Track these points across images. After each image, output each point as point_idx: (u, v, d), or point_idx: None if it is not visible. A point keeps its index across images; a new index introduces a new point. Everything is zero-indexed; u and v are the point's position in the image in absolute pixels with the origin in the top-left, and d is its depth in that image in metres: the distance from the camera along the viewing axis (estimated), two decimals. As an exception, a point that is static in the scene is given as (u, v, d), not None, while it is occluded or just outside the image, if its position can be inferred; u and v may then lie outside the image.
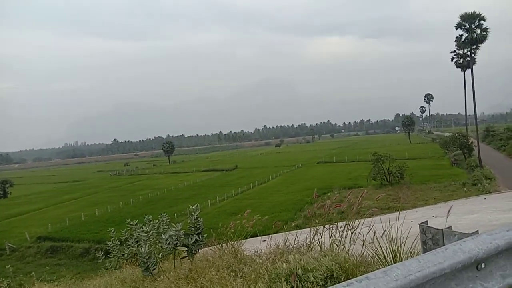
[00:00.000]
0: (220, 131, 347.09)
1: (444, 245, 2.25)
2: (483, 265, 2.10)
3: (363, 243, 4.34)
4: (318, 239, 4.91)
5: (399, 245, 3.96)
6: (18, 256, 35.06)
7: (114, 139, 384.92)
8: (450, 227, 2.36)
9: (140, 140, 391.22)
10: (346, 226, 4.87)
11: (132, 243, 7.71)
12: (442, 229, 2.34)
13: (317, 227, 5.28)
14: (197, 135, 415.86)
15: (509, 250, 2.22)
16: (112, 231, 8.92)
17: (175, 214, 37.34)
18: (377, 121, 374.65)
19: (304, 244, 5.12)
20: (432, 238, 2.40)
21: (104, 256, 9.41)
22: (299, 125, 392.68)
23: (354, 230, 4.61)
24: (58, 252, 34.87)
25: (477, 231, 2.26)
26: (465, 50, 51.20)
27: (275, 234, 8.76)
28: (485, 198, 18.88)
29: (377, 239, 4.17)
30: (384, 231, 4.13)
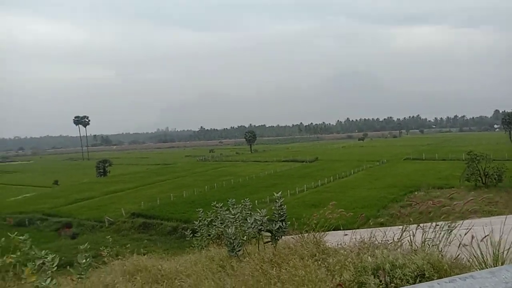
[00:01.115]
0: (301, 122, 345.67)
1: None
2: None
3: (459, 245, 4.06)
4: (408, 236, 4.70)
5: (502, 250, 3.63)
6: (115, 229, 38.75)
7: (201, 127, 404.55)
8: None
9: (224, 128, 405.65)
10: (440, 226, 4.59)
11: (218, 224, 8.09)
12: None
13: (406, 225, 5.06)
14: (278, 125, 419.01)
15: None
16: (200, 211, 9.43)
17: (256, 201, 38.23)
18: (472, 117, 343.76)
19: (392, 240, 4.94)
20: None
21: (191, 235, 10.01)
22: (385, 119, 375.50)
23: (451, 231, 4.33)
24: (149, 228, 37.86)
25: None
26: None
27: (359, 229, 8.56)
28: None
29: (476, 242, 3.87)
30: (487, 235, 3.81)
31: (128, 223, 39.54)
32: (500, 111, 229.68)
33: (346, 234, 7.60)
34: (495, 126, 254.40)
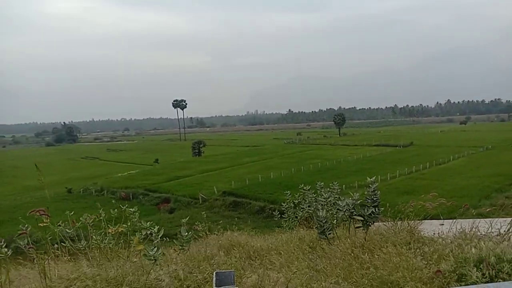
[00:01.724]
0: (396, 105, 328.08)
1: None
2: None
3: None
4: (518, 230, 4.28)
5: None
6: (207, 206, 41.13)
7: (289, 110, 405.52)
8: None
9: (312, 111, 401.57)
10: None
11: (306, 207, 8.15)
12: None
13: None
14: (370, 108, 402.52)
15: None
16: (288, 193, 9.60)
17: (343, 185, 37.56)
18: None
19: (498, 233, 4.54)
20: None
21: (279, 216, 10.26)
22: (491, 101, 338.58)
23: None
24: (239, 207, 39.52)
25: None
26: None
27: (458, 219, 7.99)
28: None
29: None
30: None
31: (219, 201, 41.67)
32: None
33: (442, 224, 7.16)
34: None
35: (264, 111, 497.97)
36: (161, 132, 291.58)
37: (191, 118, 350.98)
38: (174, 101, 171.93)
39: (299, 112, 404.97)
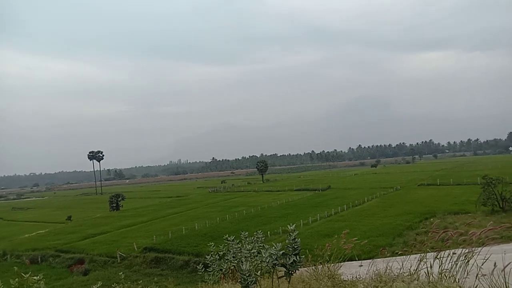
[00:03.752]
0: (313, 151, 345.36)
1: None
2: None
3: (477, 276, 3.93)
4: (426, 268, 4.57)
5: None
6: (126, 264, 38.38)
7: (213, 158, 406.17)
8: None
9: (236, 159, 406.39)
10: (457, 255, 4.46)
11: (230, 258, 7.97)
12: None
13: (423, 254, 4.93)
14: (290, 154, 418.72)
15: None
16: (212, 245, 9.35)
17: (268, 232, 37.78)
18: (487, 140, 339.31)
19: (409, 272, 4.81)
20: None
21: (203, 269, 9.88)
22: (397, 145, 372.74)
23: (468, 261, 4.21)
24: (161, 263, 37.41)
25: None
26: None
27: (373, 260, 8.36)
28: None
29: (496, 271, 3.75)
30: (509, 263, 3.69)
31: (140, 258, 39.16)
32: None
33: (361, 265, 7.43)
34: (510, 148, 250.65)
35: (187, 160, 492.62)
36: (75, 186, 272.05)
37: (109, 170, 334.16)
38: (90, 152, 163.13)
39: (223, 160, 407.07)
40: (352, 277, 5.89)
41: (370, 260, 7.30)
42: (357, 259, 6.96)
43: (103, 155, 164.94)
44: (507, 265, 3.68)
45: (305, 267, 6.80)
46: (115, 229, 56.48)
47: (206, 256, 9.54)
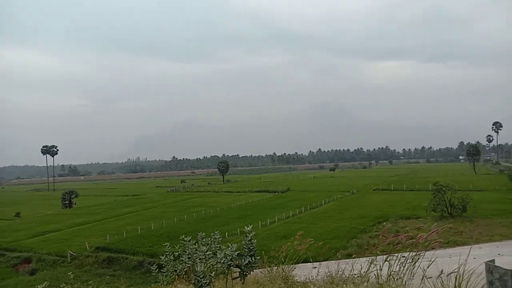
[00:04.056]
0: (274, 153, 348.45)
1: (515, 288, 2.09)
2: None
3: (422, 278, 4.12)
4: (376, 270, 4.72)
5: (462, 283, 3.70)
6: (77, 264, 36.96)
7: (173, 157, 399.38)
8: (522, 269, 2.19)
9: (197, 158, 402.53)
10: (405, 258, 4.65)
11: (185, 259, 7.86)
12: (511, 270, 2.17)
13: (373, 257, 5.09)
14: (251, 155, 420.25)
15: None
16: (167, 245, 9.18)
17: (226, 233, 37.70)
18: (439, 148, 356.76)
19: (359, 274, 4.95)
20: (499, 279, 2.24)
21: (157, 270, 9.68)
22: (355, 150, 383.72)
23: (414, 263, 4.39)
24: (114, 263, 36.32)
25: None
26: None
27: (327, 261, 8.54)
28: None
29: (441, 275, 3.93)
30: (448, 268, 3.88)
31: (91, 258, 37.83)
32: (465, 143, 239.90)
33: (315, 267, 7.56)
34: (460, 157, 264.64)
35: (146, 158, 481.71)
36: (26, 182, 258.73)
37: (63, 165, 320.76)
38: (43, 147, 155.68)
39: (183, 159, 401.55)
40: (305, 278, 5.98)
41: (324, 262, 7.45)
42: (311, 260, 7.07)
43: (57, 150, 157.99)
44: (451, 272, 3.86)
45: (260, 268, 6.83)
46: (66, 227, 54.27)
47: (161, 257, 9.38)
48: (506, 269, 2.21)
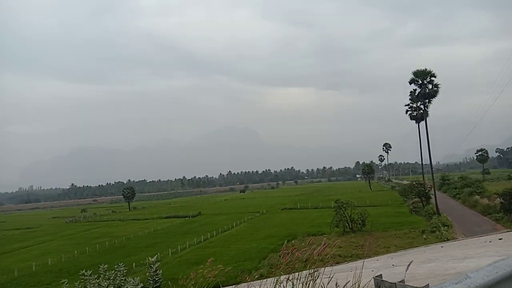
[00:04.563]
0: (184, 177, 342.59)
1: (397, 298, 2.33)
2: (434, 317, 2.18)
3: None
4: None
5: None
6: (-45, 313, 31.86)
7: (72, 184, 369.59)
8: (403, 281, 2.46)
9: (99, 185, 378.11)
10: (308, 276, 4.86)
11: (86, 296, 7.29)
12: (395, 283, 2.43)
13: (279, 277, 5.23)
14: (160, 180, 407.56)
15: (457, 302, 2.32)
16: (65, 282, 8.40)
17: (134, 264, 35.70)
18: (338, 168, 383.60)
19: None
20: (386, 291, 2.48)
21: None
22: (263, 171, 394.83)
23: (315, 280, 4.62)
24: (2, 307, 32.02)
25: (428, 285, 2.37)
26: (419, 104, 54.46)
27: (238, 285, 8.55)
28: (442, 246, 19.40)
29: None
30: (348, 282, 4.16)
31: (-27, 304, 32.88)
32: (361, 163, 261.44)
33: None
34: (357, 175, 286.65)
35: (41, 187, 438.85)
36: None
37: None
38: None
39: (84, 186, 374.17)
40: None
41: (237, 285, 7.43)
42: (220, 286, 7.02)
43: None
44: (347, 285, 4.14)
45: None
46: None
47: (58, 296, 8.56)
48: (391, 283, 2.45)
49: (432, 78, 51.71)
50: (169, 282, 6.40)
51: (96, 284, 6.67)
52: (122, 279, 6.42)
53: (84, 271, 7.56)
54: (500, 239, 15.40)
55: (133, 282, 4.71)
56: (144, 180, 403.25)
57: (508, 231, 22.53)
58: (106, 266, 7.15)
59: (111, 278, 6.46)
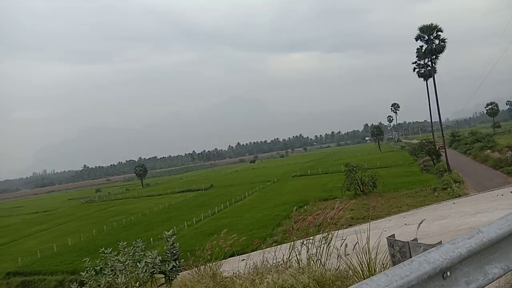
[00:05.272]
0: (194, 151, 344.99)
1: (411, 257, 2.35)
2: (448, 273, 2.21)
3: (338, 257, 4.42)
4: (296, 255, 4.96)
5: (372, 257, 4.05)
6: (-15, 295, 33.32)
7: (84, 165, 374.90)
8: (415, 239, 2.47)
9: (111, 165, 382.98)
10: (322, 239, 4.93)
11: (108, 272, 7.50)
12: (408, 242, 2.44)
13: (293, 242, 5.32)
14: (170, 156, 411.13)
15: (471, 257, 2.34)
16: (87, 260, 8.65)
17: (151, 238, 36.59)
18: (347, 132, 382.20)
19: (282, 261, 5.15)
20: (399, 251, 2.50)
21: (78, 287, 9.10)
22: (272, 141, 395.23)
23: (329, 243, 4.69)
24: (30, 287, 33.36)
25: (441, 241, 2.38)
26: (426, 60, 53.30)
27: (254, 252, 8.74)
28: (454, 203, 19.48)
29: (353, 251, 4.25)
30: (356, 243, 4.22)
31: (2, 285, 34.28)
32: (369, 125, 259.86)
33: (243, 260, 7.70)
34: (366, 138, 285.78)
35: (54, 170, 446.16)
36: None
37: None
38: None
39: (96, 167, 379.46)
40: (233, 272, 6.07)
41: (253, 253, 7.60)
42: (236, 254, 7.18)
43: None
44: (356, 245, 4.20)
45: (188, 270, 6.77)
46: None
47: (82, 273, 8.83)
48: (404, 242, 2.47)
49: (439, 33, 50.39)
50: (188, 253, 6.55)
51: (116, 260, 6.85)
52: (140, 254, 6.57)
53: (103, 248, 7.73)
54: (512, 191, 15.40)
55: (151, 256, 4.81)
56: (155, 157, 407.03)
57: (520, 184, 22.52)
58: (125, 242, 7.32)
59: (130, 253, 6.62)
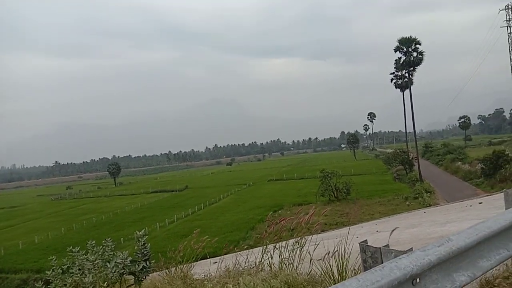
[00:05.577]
0: (170, 151, 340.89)
1: (382, 262, 2.37)
2: (418, 280, 2.24)
3: (310, 261, 4.43)
4: (268, 258, 4.94)
5: (344, 262, 4.08)
6: None
7: (56, 161, 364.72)
8: (387, 245, 2.50)
9: (84, 162, 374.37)
10: (295, 244, 4.93)
11: (76, 271, 7.29)
12: (380, 248, 2.46)
13: (266, 246, 5.31)
14: (145, 155, 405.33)
15: (440, 265, 2.39)
16: (54, 259, 8.38)
17: (122, 238, 35.90)
18: (324, 139, 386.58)
19: (254, 265, 5.12)
20: (371, 256, 2.52)
21: (43, 287, 8.81)
22: (249, 144, 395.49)
23: (302, 248, 4.69)
24: (-9, 286, 32.09)
25: (411, 248, 2.41)
26: (404, 72, 54.62)
27: (226, 255, 8.67)
28: (424, 212, 19.95)
29: (327, 256, 4.27)
30: (334, 249, 4.24)
31: (-40, 284, 32.85)
32: (346, 132, 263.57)
33: (215, 262, 7.63)
34: (342, 145, 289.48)
35: (23, 165, 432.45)
36: None
37: None
38: None
39: (68, 163, 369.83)
40: (204, 275, 6.00)
41: (225, 256, 7.53)
42: (208, 256, 7.11)
43: None
44: (334, 252, 4.22)
45: (158, 271, 6.65)
46: None
47: (47, 272, 8.54)
48: (376, 247, 2.49)
49: (417, 46, 51.75)
50: (159, 254, 6.44)
51: (84, 259, 6.66)
52: (110, 254, 6.41)
53: (71, 247, 7.48)
54: (480, 203, 15.89)
55: (122, 256, 4.69)
56: (130, 155, 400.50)
57: (488, 195, 23.25)
58: (94, 242, 7.11)
59: (99, 253, 6.45)
